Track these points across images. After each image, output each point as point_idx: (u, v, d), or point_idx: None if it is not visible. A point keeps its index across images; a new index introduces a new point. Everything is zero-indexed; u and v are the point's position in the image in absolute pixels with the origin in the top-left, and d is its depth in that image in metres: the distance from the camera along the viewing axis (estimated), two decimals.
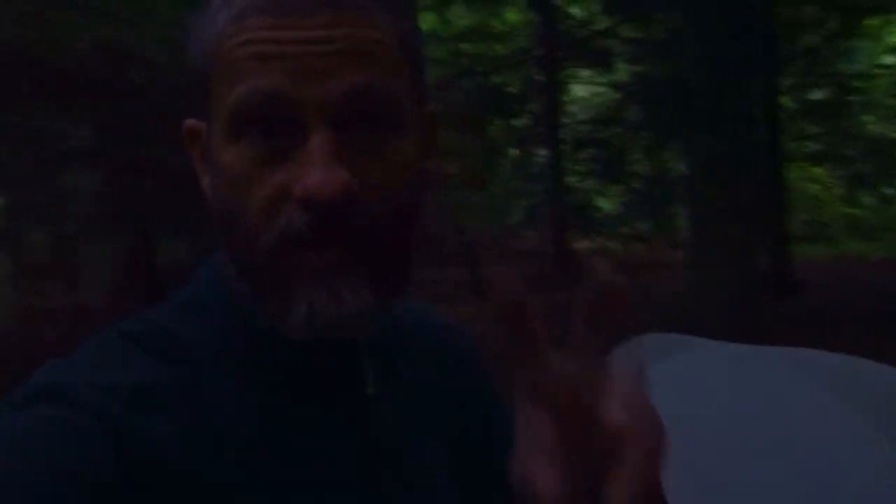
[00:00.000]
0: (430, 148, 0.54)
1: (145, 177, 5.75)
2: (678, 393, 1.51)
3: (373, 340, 0.53)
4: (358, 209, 0.44)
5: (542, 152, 10.31)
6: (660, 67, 8.34)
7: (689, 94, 5.16)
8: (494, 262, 9.44)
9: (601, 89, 11.45)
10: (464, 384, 0.62)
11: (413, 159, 0.48)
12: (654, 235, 9.97)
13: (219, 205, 0.48)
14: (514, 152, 11.58)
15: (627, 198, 10.42)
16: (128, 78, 5.54)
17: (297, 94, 0.43)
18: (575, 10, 10.57)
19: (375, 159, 0.46)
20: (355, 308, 0.45)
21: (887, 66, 10.83)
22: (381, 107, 0.46)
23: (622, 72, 10.25)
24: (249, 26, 0.44)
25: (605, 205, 11.12)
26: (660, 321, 3.73)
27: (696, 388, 1.69)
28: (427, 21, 10.73)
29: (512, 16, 11.30)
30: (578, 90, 12.18)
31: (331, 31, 0.44)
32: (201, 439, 0.45)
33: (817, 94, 10.76)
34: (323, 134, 0.43)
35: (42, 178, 6.26)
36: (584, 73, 11.70)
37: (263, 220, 0.45)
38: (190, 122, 0.52)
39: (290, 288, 0.45)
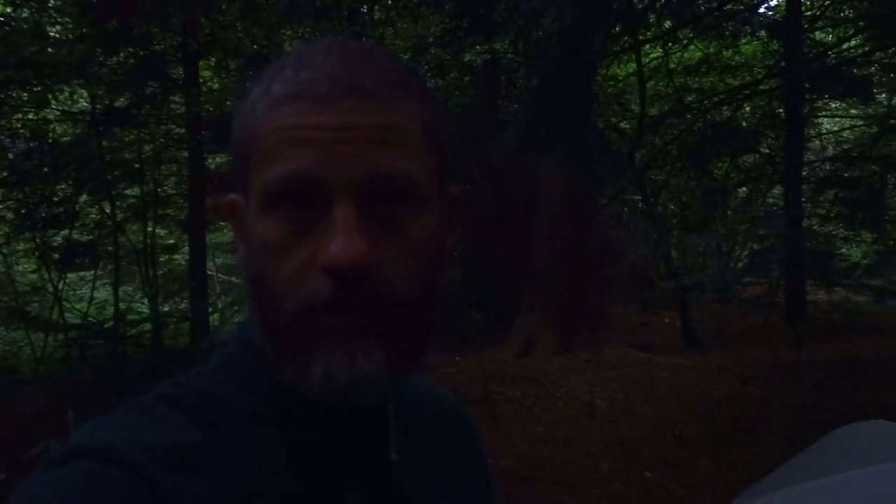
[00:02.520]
0: (452, 227, 0.58)
1: None
2: None
3: (396, 408, 0.57)
4: (376, 280, 0.48)
5: (775, 192, 9.31)
6: None
7: None
8: (713, 311, 8.68)
9: (854, 122, 10.11)
10: (469, 459, 0.66)
11: (432, 237, 0.52)
12: None
13: (251, 271, 0.51)
14: (742, 191, 10.63)
15: (883, 246, 8.99)
16: None
17: (323, 175, 0.47)
18: (823, 36, 9.50)
19: (395, 235, 0.49)
20: (369, 371, 0.48)
21: None
22: (402, 187, 0.49)
23: (879, 103, 8.95)
24: (284, 113, 0.49)
25: (853, 253, 9.71)
26: None
27: None
28: (651, 55, 10.38)
29: (748, 48, 10.49)
30: (826, 124, 10.89)
31: (357, 118, 0.48)
32: (235, 500, 0.48)
33: None
34: (346, 208, 0.47)
35: None
36: (833, 104, 10.45)
37: (290, 286, 0.48)
38: (231, 196, 0.56)
39: (309, 350, 0.48)
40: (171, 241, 9.06)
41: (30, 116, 7.32)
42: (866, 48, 8.46)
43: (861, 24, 8.48)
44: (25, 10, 6.62)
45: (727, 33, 9.18)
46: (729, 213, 10.58)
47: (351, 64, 0.49)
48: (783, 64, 8.76)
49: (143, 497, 0.44)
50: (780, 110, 9.44)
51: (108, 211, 7.38)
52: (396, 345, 0.49)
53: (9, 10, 6.62)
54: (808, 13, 9.20)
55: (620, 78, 10.89)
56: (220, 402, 0.52)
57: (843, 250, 9.76)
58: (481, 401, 5.10)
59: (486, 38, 8.31)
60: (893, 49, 7.91)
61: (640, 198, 9.54)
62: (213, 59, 8.06)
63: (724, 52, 9.94)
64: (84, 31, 6.40)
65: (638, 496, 3.78)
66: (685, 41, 9.92)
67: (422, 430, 0.61)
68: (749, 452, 4.17)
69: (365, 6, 8.18)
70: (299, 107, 0.48)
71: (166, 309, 8.27)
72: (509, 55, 9.77)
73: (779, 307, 8.23)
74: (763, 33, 9.52)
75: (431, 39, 9.00)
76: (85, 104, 7.69)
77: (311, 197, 0.48)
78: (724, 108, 9.68)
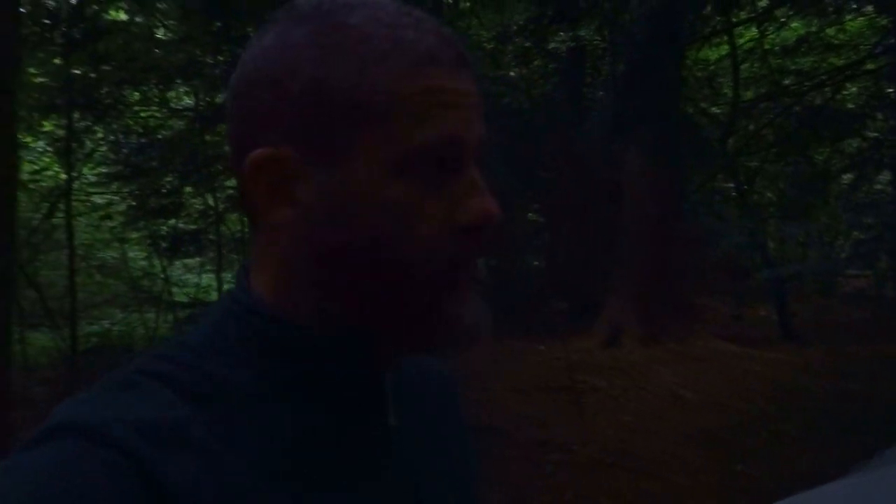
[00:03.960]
0: None
1: None
2: None
3: (391, 373, 0.57)
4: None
5: (884, 178, 8.75)
6: None
7: None
8: (814, 304, 8.28)
9: None
10: (456, 421, 0.67)
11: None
12: None
13: (355, 238, 0.49)
14: (846, 178, 10.03)
15: None
16: None
17: (467, 137, 0.51)
18: None
19: None
20: (489, 319, 0.53)
21: None
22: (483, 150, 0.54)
23: None
24: (428, 74, 0.49)
25: None
26: None
27: None
28: (745, 36, 9.93)
29: (853, 25, 9.83)
30: None
31: (473, 86, 0.52)
32: (232, 477, 0.46)
33: None
34: (476, 170, 0.52)
35: None
36: None
37: (434, 245, 0.49)
38: (263, 152, 0.49)
39: (457, 303, 0.51)
40: None
41: (142, 115, 7.85)
42: None
43: None
44: (139, 17, 7.09)
45: (830, 9, 8.65)
46: (831, 200, 10.01)
47: (446, 34, 0.52)
48: (892, 40, 8.20)
49: (131, 476, 0.42)
50: (890, 90, 8.85)
51: (210, 203, 7.82)
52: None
53: (123, 16, 7.12)
54: None
55: (712, 61, 10.48)
56: (208, 375, 0.49)
57: None
58: (565, 389, 5.11)
59: (570, 26, 8.21)
60: None
61: (732, 185, 9.19)
62: None
63: (827, 30, 9.37)
64: (188, 32, 6.79)
65: (728, 488, 3.71)
66: (783, 20, 9.42)
67: (411, 393, 0.60)
68: (848, 449, 4.01)
69: None
70: (440, 70, 0.49)
71: None
72: (594, 41, 9.61)
73: (886, 300, 7.76)
74: (870, 8, 8.92)
75: (515, 28, 8.97)
76: (188, 101, 8.16)
77: (453, 159, 0.50)
78: (826, 89, 9.15)
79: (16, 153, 3.27)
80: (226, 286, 8.19)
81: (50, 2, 6.24)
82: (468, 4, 8.82)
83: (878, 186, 9.35)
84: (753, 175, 10.24)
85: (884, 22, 8.67)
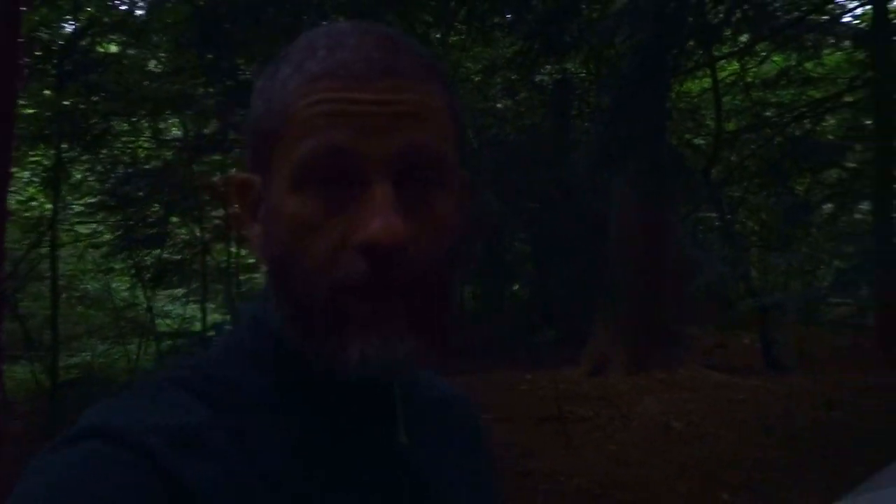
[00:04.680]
0: (465, 211, 0.56)
1: None
2: None
3: (402, 391, 0.57)
4: (410, 259, 0.48)
5: (864, 207, 8.88)
6: None
7: None
8: (798, 333, 8.34)
9: None
10: (474, 449, 0.66)
11: (455, 216, 0.52)
12: None
13: (276, 252, 0.51)
14: (827, 208, 10.19)
15: None
16: None
17: (361, 148, 0.47)
18: None
19: (425, 214, 0.50)
20: (403, 354, 0.48)
21: None
22: (433, 165, 0.50)
23: None
24: (321, 88, 0.49)
25: None
26: None
27: None
28: (727, 69, 10.14)
29: (831, 59, 10.08)
30: None
31: (393, 96, 0.48)
32: (246, 482, 0.48)
33: None
34: (384, 186, 0.47)
35: None
36: None
37: (323, 265, 0.48)
38: (241, 175, 0.56)
39: (344, 333, 0.48)
40: (252, 261, 9.48)
41: (130, 146, 7.87)
42: None
43: None
44: (131, 49, 7.15)
45: (808, 44, 8.87)
46: (813, 230, 10.16)
47: (385, 46, 0.50)
48: (869, 73, 8.41)
49: (151, 478, 0.44)
50: (868, 122, 9.03)
51: (197, 233, 7.81)
52: (427, 326, 0.49)
53: (114, 48, 7.18)
54: None
55: (694, 94, 10.68)
56: (228, 383, 0.52)
57: None
58: (552, 419, 5.09)
59: (557, 59, 8.36)
60: None
61: (716, 215, 9.31)
62: None
63: (806, 64, 9.60)
64: (180, 64, 6.86)
65: None
66: (763, 54, 9.64)
67: (427, 415, 0.61)
68: (834, 478, 4.01)
69: (440, 32, 8.39)
70: (336, 83, 0.48)
71: None
72: (581, 74, 9.77)
73: (869, 328, 7.83)
74: (847, 43, 9.16)
75: (503, 61, 9.12)
76: (177, 131, 8.19)
77: (346, 173, 0.48)
78: (805, 121, 9.34)
79: (8, 181, 3.26)
80: (212, 316, 8.11)
81: (43, 34, 6.29)
82: (457, 38, 8.97)
83: (858, 216, 9.50)
84: (736, 205, 10.38)
85: (861, 56, 8.90)
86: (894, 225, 7.89)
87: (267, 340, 0.54)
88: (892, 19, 8.07)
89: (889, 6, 8.13)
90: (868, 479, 1.57)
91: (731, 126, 9.87)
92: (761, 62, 9.88)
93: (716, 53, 8.35)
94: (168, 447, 0.46)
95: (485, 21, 7.61)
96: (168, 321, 8.62)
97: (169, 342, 7.16)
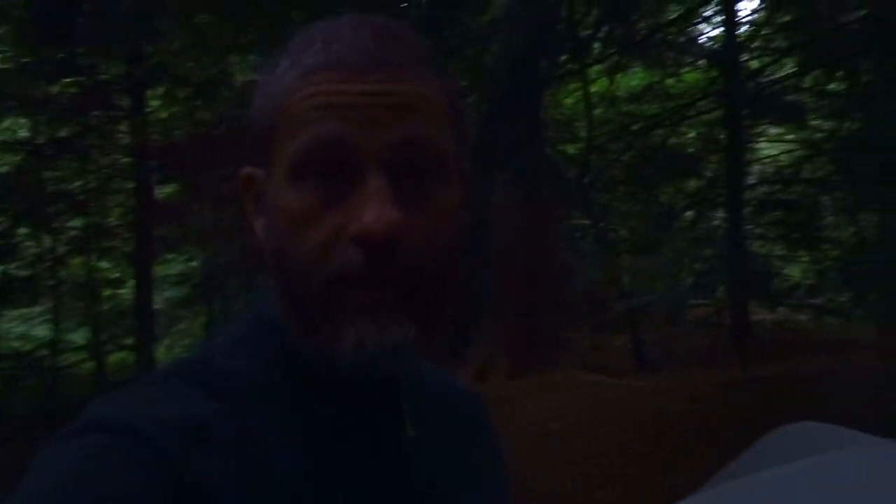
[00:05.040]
0: (466, 202, 0.57)
1: None
2: (836, 495, 1.24)
3: (409, 385, 0.57)
4: (405, 251, 0.48)
5: (720, 214, 9.61)
6: (855, 121, 7.50)
7: (888, 152, 4.55)
8: (663, 333, 8.85)
9: (792, 147, 10.55)
10: (482, 445, 0.66)
11: (454, 208, 0.53)
12: (851, 309, 8.78)
13: (274, 244, 0.51)
14: (688, 215, 10.96)
15: (819, 265, 9.34)
16: None
17: (355, 140, 0.48)
18: (756, 64, 9.93)
19: (422, 206, 0.50)
20: (399, 341, 0.48)
21: None
22: (430, 157, 0.50)
23: (812, 128, 9.38)
24: (315, 81, 0.49)
25: (795, 273, 10.04)
26: (848, 407, 3.22)
27: (856, 490, 1.39)
28: (598, 83, 10.68)
29: (691, 77, 10.90)
30: (765, 148, 11.34)
31: (388, 87, 0.48)
32: (254, 476, 0.48)
33: None
34: (378, 178, 0.48)
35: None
36: (773, 130, 10.89)
37: (319, 256, 0.48)
38: (246, 170, 0.56)
39: (339, 321, 0.48)
40: (116, 275, 8.82)
41: None
42: (795, 72, 8.88)
43: (791, 50, 8.92)
44: None
45: (669, 63, 9.52)
46: (676, 235, 10.87)
47: (381, 38, 0.50)
48: (721, 89, 9.13)
49: (158, 471, 0.44)
50: (722, 136, 9.78)
51: (48, 245, 7.16)
52: (424, 315, 0.49)
53: None
54: (746, 42, 9.63)
55: (569, 106, 11.16)
56: (234, 376, 0.52)
57: (785, 270, 10.09)
58: None
59: None
60: (820, 75, 8.33)
61: (589, 222, 9.73)
62: (162, 88, 7.96)
63: (668, 81, 10.31)
64: (26, 60, 6.26)
65: None
66: (629, 69, 10.25)
67: (434, 409, 0.61)
68: (698, 467, 4.24)
69: None
70: (331, 76, 0.48)
71: (108, 346, 8.00)
72: (462, 83, 9.92)
73: (725, 327, 8.44)
74: (703, 62, 9.91)
75: None
76: (25, 133, 7.49)
77: (342, 165, 0.48)
78: (662, 131, 10.01)
79: None
80: (70, 336, 7.45)
81: None
82: None
83: (715, 223, 10.25)
84: (607, 212, 10.92)
85: (715, 74, 9.66)
86: (744, 231, 8.59)
87: (273, 334, 0.54)
88: (741, 41, 8.82)
89: (737, 32, 8.90)
90: (727, 467, 1.62)
91: (599, 134, 10.39)
92: (628, 76, 10.48)
93: (586, 62, 8.76)
94: (175, 440, 0.45)
95: None
96: (16, 344, 7.80)
97: (7, 364, 6.47)
